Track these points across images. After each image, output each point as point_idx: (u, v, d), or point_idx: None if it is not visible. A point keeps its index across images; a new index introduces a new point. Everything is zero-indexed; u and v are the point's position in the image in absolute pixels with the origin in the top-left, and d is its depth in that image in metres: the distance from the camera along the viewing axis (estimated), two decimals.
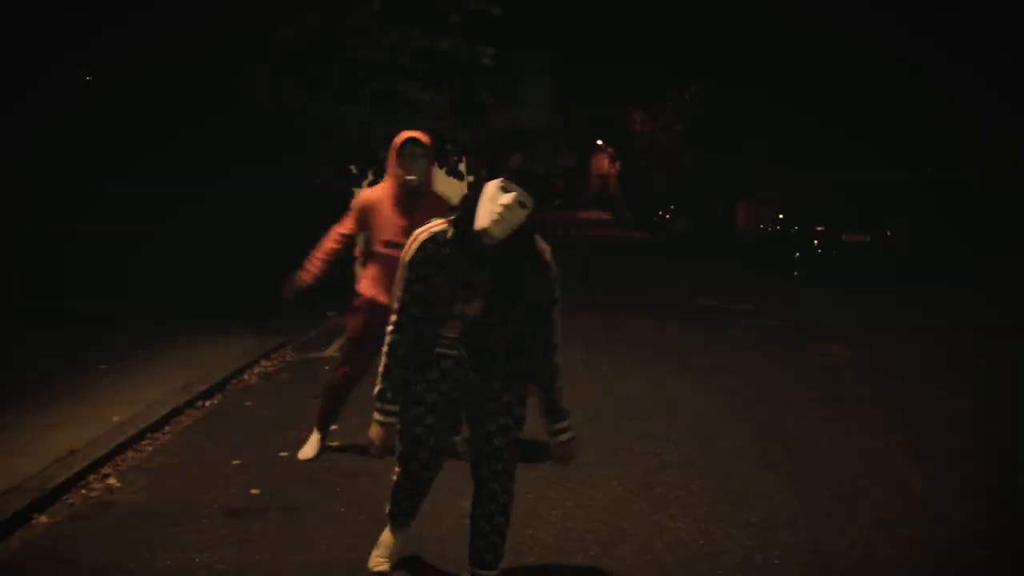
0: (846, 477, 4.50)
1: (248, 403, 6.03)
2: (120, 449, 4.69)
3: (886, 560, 3.50)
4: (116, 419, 5.12)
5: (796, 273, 17.98)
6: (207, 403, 5.92)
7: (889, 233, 21.45)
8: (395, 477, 3.10)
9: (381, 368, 2.90)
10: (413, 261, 2.81)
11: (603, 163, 61.34)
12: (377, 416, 2.90)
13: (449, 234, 2.78)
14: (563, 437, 2.95)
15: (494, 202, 2.66)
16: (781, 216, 25.96)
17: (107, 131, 8.50)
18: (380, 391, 2.90)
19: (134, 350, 7.09)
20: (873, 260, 20.09)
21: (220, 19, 8.34)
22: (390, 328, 2.88)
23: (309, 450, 4.73)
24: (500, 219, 2.66)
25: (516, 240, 2.72)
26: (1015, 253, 17.13)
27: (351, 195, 11.59)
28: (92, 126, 8.33)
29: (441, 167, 11.47)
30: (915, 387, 6.80)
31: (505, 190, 2.67)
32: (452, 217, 2.82)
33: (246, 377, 6.78)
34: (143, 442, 4.92)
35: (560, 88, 49.34)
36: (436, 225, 2.83)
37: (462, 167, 12.06)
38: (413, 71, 10.42)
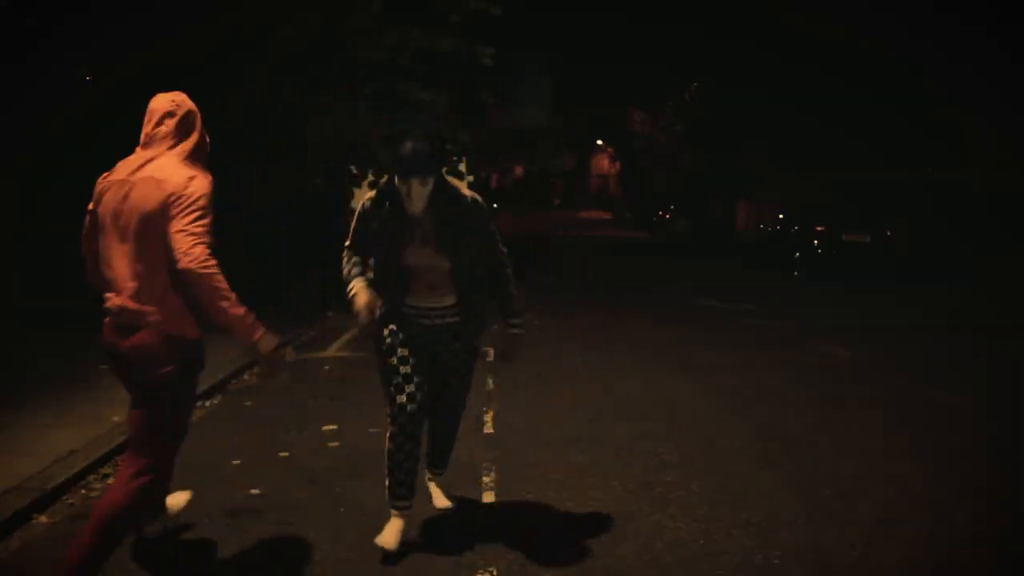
0: (846, 477, 4.50)
1: (248, 403, 6.03)
2: (120, 449, 4.69)
3: (886, 560, 3.50)
4: (116, 419, 5.12)
5: (796, 273, 17.98)
6: (207, 403, 5.93)
7: (889, 233, 21.44)
8: (388, 445, 3.42)
9: (345, 274, 3.44)
10: (361, 215, 3.43)
11: (603, 163, 61.32)
12: (355, 289, 3.37)
13: (378, 201, 3.39)
14: (513, 331, 3.53)
15: (402, 194, 3.27)
16: (781, 216, 25.96)
17: (107, 131, 8.49)
18: (349, 287, 3.40)
19: None
20: (873, 260, 20.08)
21: (220, 19, 8.34)
22: (344, 254, 3.47)
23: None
24: (414, 203, 3.26)
25: (436, 198, 3.30)
26: (1015, 253, 17.12)
27: (351, 195, 11.61)
28: (92, 126, 8.33)
29: (441, 167, 11.48)
30: (915, 387, 6.79)
31: (405, 182, 3.24)
32: (379, 190, 3.44)
33: (246, 377, 6.78)
34: None
35: (560, 88, 49.43)
36: (370, 194, 3.47)
37: (462, 167, 12.07)
38: (413, 71, 10.43)
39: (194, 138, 3.12)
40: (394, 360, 3.38)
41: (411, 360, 3.37)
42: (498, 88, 15.60)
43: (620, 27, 35.42)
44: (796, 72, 22.88)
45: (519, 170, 58.44)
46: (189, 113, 3.13)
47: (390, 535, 3.44)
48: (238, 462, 4.63)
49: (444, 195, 3.33)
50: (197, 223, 2.88)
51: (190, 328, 3.04)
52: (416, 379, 3.36)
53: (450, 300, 3.42)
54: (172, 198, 2.88)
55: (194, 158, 3.08)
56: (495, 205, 34.34)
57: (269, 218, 10.99)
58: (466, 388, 3.67)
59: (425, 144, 3.29)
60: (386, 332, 3.42)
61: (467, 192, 3.42)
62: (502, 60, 11.62)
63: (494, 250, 3.47)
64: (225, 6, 8.42)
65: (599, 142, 56.93)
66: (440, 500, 3.87)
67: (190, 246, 2.83)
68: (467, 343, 3.52)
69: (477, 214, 3.38)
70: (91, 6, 7.78)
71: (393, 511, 3.48)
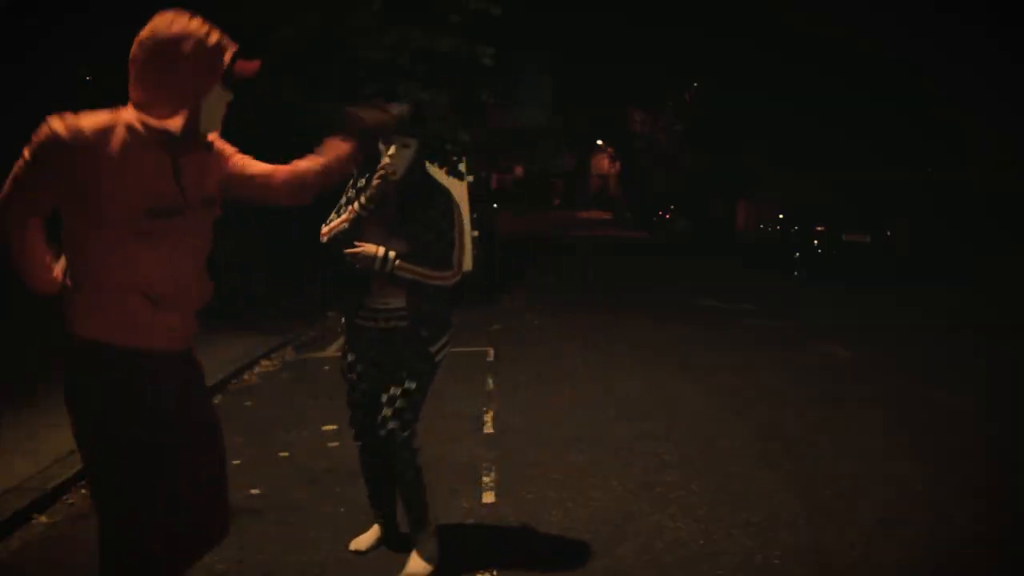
0: (846, 477, 4.50)
1: (248, 403, 6.03)
2: None
3: (886, 560, 3.50)
4: None
5: (796, 273, 17.98)
6: None
7: (889, 233, 21.46)
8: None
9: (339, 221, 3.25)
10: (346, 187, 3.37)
11: (603, 163, 61.26)
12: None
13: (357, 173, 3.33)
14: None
15: (384, 155, 3.18)
16: (781, 216, 25.97)
17: None
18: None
19: None
20: (873, 260, 20.08)
21: (220, 19, 8.33)
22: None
23: None
24: (395, 165, 3.16)
25: (412, 173, 3.23)
26: (1015, 253, 17.13)
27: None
28: None
29: (441, 167, 11.47)
30: (915, 387, 6.79)
31: (388, 144, 3.17)
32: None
33: (246, 377, 6.79)
34: None
35: (560, 88, 49.40)
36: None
37: (462, 167, 12.05)
38: (413, 71, 10.41)
39: (141, 88, 2.22)
40: (347, 382, 3.35)
41: (350, 374, 3.34)
42: (498, 88, 15.57)
43: (620, 27, 35.41)
44: (796, 72, 22.91)
45: (519, 170, 58.41)
46: (137, 52, 2.22)
47: (363, 538, 3.53)
48: (238, 462, 4.62)
49: (419, 177, 3.26)
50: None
51: (124, 334, 2.06)
52: (358, 398, 3.32)
53: (398, 303, 3.20)
54: None
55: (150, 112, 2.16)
56: (495, 205, 34.28)
57: (269, 218, 10.98)
58: (411, 406, 3.17)
59: (410, 107, 3.30)
60: (345, 350, 3.38)
61: (439, 182, 3.35)
62: (502, 60, 11.61)
63: (448, 243, 3.22)
64: (225, 6, 8.40)
65: (599, 142, 56.87)
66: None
67: None
68: (416, 348, 3.20)
69: (444, 207, 3.24)
70: (91, 6, 7.77)
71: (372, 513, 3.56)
